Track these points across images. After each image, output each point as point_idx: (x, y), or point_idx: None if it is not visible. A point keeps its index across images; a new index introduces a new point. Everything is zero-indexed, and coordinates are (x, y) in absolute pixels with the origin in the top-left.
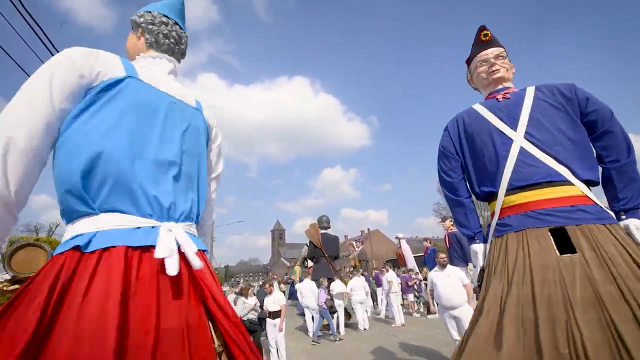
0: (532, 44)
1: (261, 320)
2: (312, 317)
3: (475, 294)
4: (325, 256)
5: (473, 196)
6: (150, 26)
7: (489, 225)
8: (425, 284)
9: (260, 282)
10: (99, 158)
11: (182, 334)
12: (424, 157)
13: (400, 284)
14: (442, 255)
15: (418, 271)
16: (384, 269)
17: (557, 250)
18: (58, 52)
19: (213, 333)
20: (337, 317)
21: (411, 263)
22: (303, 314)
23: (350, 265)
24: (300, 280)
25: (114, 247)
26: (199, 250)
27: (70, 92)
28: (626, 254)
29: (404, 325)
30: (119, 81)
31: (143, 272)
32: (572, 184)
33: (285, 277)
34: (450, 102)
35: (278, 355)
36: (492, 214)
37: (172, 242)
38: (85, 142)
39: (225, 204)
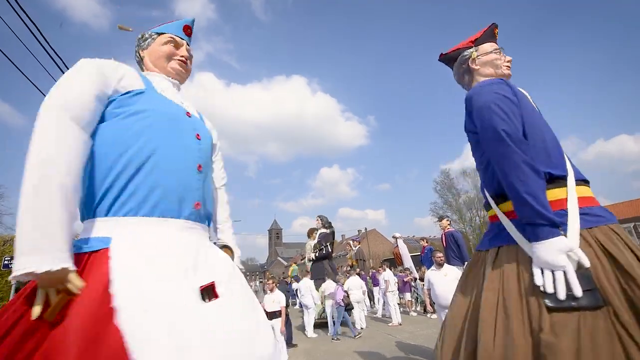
0: (533, 43)
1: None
2: (329, 316)
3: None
4: (328, 255)
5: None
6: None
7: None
8: (421, 282)
9: (258, 282)
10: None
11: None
12: (421, 157)
13: (397, 283)
14: (439, 254)
15: (415, 271)
16: (380, 268)
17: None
18: (54, 51)
19: None
20: (352, 314)
21: (408, 262)
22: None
23: (347, 265)
24: (297, 280)
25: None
26: (224, 246)
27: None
28: None
29: (401, 324)
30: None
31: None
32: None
33: (282, 276)
34: (448, 103)
35: None
36: (559, 202)
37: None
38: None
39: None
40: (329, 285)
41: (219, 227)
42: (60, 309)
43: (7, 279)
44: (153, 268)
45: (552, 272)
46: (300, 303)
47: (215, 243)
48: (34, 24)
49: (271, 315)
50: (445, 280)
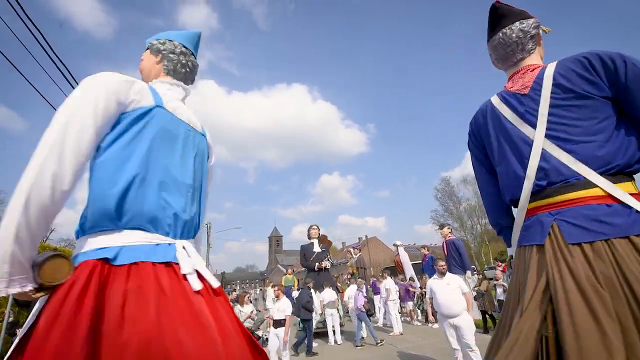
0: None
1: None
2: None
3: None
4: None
5: None
6: (171, 55)
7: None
8: (422, 292)
9: (258, 290)
10: (133, 183)
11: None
12: (421, 165)
13: (399, 291)
14: (442, 262)
15: (416, 279)
16: (381, 277)
17: None
18: (57, 57)
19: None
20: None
21: (409, 271)
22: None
23: (347, 273)
24: (298, 289)
25: (142, 262)
26: None
27: (109, 117)
28: None
29: (402, 334)
30: (149, 110)
31: (169, 287)
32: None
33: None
34: (448, 110)
35: None
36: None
37: (189, 259)
38: (121, 169)
39: (224, 210)
40: (326, 294)
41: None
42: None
43: None
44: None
45: None
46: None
47: None
48: (37, 29)
49: (277, 324)
50: (447, 289)
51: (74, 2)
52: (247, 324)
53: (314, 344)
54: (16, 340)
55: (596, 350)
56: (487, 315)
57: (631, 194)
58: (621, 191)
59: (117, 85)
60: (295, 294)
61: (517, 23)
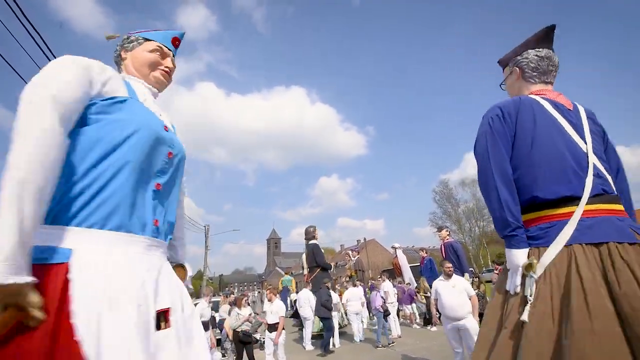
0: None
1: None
2: (330, 327)
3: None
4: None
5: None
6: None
7: None
8: (417, 293)
9: (256, 292)
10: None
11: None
12: (420, 167)
13: (397, 294)
14: (448, 264)
15: (414, 282)
16: (380, 279)
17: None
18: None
19: None
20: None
21: (408, 274)
22: (299, 325)
23: (346, 275)
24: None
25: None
26: (177, 265)
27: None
28: None
29: (401, 336)
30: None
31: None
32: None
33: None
34: (447, 111)
35: None
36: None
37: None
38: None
39: (222, 213)
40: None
41: (173, 243)
42: (8, 327)
43: None
44: (113, 292)
45: None
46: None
47: (169, 261)
48: (37, 32)
49: (272, 328)
50: (452, 291)
51: (73, 4)
52: (244, 327)
53: (312, 348)
54: None
55: None
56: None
57: None
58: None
59: (92, 69)
60: (293, 296)
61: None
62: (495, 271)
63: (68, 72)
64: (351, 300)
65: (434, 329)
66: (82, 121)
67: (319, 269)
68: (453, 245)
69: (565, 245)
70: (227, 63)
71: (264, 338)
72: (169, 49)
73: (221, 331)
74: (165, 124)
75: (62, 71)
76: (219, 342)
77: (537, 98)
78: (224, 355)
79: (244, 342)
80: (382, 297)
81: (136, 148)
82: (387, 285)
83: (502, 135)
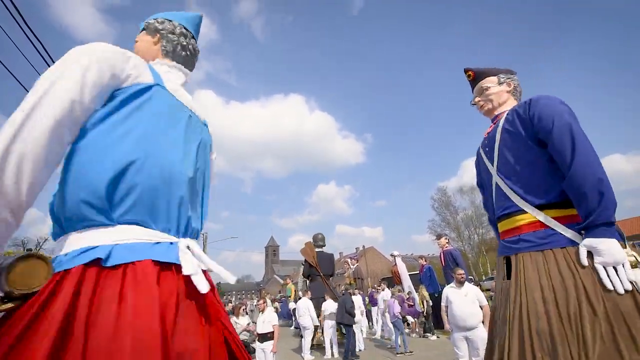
0: (529, 53)
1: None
2: (328, 335)
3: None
4: (320, 275)
5: None
6: (170, 35)
7: None
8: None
9: (255, 301)
10: (129, 168)
11: (207, 355)
12: (418, 174)
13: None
14: (460, 271)
15: (414, 291)
16: (379, 287)
17: (505, 276)
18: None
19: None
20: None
21: (407, 282)
22: (299, 335)
23: (345, 284)
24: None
25: (139, 261)
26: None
27: (100, 91)
28: (544, 278)
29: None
30: (148, 88)
31: (170, 291)
32: (525, 212)
33: (279, 295)
34: (445, 120)
35: None
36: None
37: (194, 259)
38: (114, 149)
39: (220, 220)
40: (329, 305)
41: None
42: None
43: None
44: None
45: (615, 267)
46: (296, 324)
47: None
48: (38, 40)
49: (263, 338)
50: (464, 300)
51: (74, 11)
52: (242, 337)
53: (311, 357)
54: None
55: None
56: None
57: None
58: None
59: (111, 54)
60: (291, 305)
61: (496, 78)
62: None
63: (91, 59)
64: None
65: (433, 337)
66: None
67: (319, 277)
68: (452, 253)
69: None
70: (226, 71)
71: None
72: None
73: None
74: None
75: (85, 58)
76: None
77: None
78: None
79: None
80: (399, 305)
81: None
82: (386, 294)
83: None
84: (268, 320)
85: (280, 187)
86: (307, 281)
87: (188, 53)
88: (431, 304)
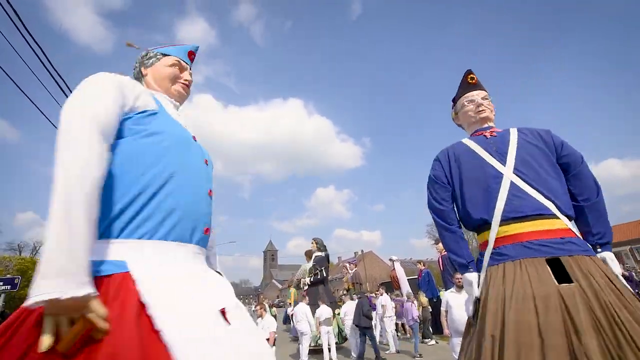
0: (529, 56)
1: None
2: (328, 342)
3: (470, 324)
4: (323, 281)
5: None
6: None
7: (481, 255)
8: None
9: (254, 306)
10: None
11: None
12: (416, 178)
13: (395, 307)
14: (459, 276)
15: (412, 296)
16: (377, 292)
17: (555, 280)
18: (58, 73)
19: None
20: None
21: (405, 287)
22: (296, 340)
23: (343, 288)
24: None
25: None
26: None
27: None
28: (610, 284)
29: (399, 352)
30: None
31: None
32: (558, 218)
33: (277, 300)
34: (443, 125)
35: None
36: (485, 244)
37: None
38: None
39: (218, 224)
40: (323, 311)
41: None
42: (75, 340)
43: None
44: (179, 292)
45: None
46: (294, 329)
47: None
48: (38, 45)
49: None
50: (464, 305)
51: (74, 16)
52: None
53: None
54: None
55: None
56: None
57: None
58: None
59: (124, 84)
60: (289, 310)
61: None
62: None
63: (103, 90)
64: (349, 314)
65: (431, 342)
66: (120, 134)
67: (320, 283)
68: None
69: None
70: (225, 75)
71: None
72: (186, 63)
73: None
74: (192, 134)
75: (98, 89)
76: None
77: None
78: None
79: None
80: (417, 309)
81: (177, 157)
82: (384, 299)
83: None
84: (267, 326)
85: (278, 191)
86: (307, 284)
87: None
88: (430, 309)
